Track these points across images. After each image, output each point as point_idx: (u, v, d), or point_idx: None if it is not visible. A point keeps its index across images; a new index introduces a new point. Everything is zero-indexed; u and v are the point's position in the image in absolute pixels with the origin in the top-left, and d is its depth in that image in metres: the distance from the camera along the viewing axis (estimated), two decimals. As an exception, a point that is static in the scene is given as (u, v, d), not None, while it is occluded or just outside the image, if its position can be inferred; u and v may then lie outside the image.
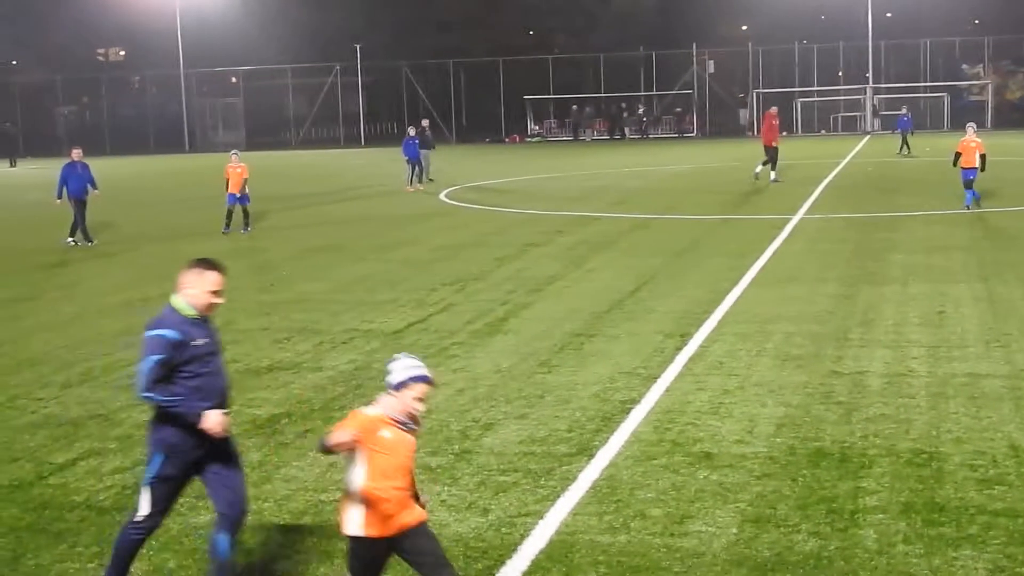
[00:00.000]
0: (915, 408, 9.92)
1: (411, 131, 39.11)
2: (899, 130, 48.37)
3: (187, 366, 6.27)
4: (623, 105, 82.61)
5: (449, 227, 25.31)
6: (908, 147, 46.18)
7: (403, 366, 5.71)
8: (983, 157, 24.84)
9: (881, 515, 7.54)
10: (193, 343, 6.31)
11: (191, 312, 6.38)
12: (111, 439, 9.88)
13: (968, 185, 24.80)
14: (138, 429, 10.13)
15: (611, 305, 15.28)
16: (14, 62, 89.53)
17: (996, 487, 7.97)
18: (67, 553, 7.43)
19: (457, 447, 9.30)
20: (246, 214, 26.14)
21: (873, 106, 72.43)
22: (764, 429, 9.47)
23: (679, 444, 9.16)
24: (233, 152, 27.55)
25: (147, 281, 19.06)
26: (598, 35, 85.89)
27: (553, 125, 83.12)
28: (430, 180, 38.88)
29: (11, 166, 64.83)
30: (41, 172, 59.53)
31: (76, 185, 24.93)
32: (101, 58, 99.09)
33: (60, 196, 25.06)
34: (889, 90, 76.02)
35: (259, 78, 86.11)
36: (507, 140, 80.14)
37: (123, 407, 10.91)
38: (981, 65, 77.81)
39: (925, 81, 77.34)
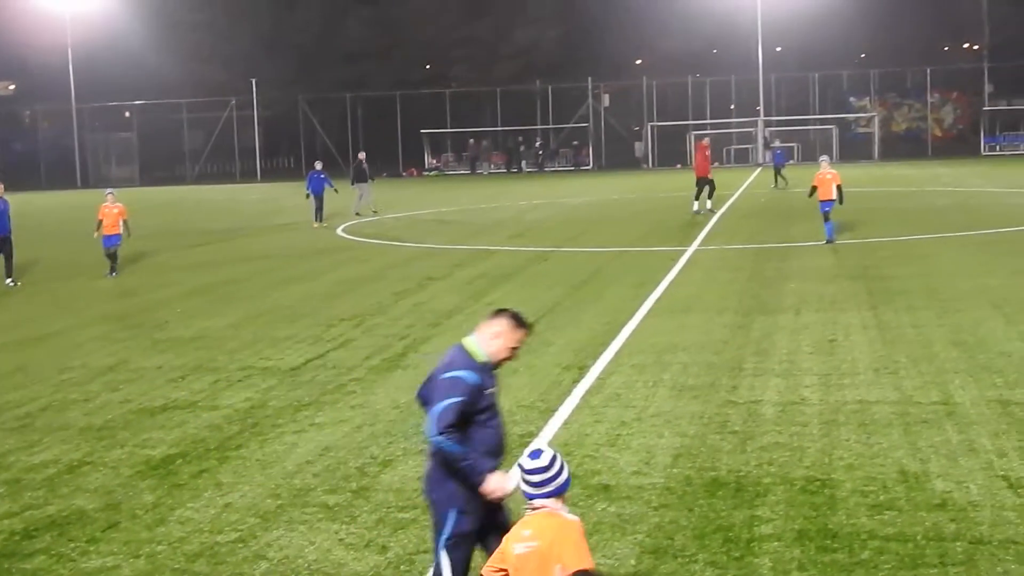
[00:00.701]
0: (808, 436, 10.11)
1: (317, 165, 38.59)
2: (773, 164, 49.23)
3: (478, 415, 5.94)
4: (520, 138, 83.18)
5: (347, 262, 25.19)
6: (784, 179, 46.90)
7: (566, 469, 5.36)
8: (839, 188, 25.38)
9: (776, 543, 7.66)
10: (487, 391, 6.02)
11: (484, 359, 6.10)
12: (-1, 484, 9.63)
13: (826, 218, 25.14)
14: (27, 472, 9.89)
15: (510, 338, 15.28)
16: None
17: (887, 512, 8.15)
18: (-48, 604, 7.20)
19: (355, 484, 9.24)
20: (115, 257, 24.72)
21: (764, 138, 73.95)
22: (661, 460, 9.57)
23: (577, 476, 9.19)
24: (108, 191, 26.00)
25: (37, 321, 18.64)
26: (496, 69, 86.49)
27: (451, 158, 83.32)
28: (374, 212, 38.86)
29: None
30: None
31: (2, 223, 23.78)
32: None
33: None
34: (780, 122, 77.70)
35: (153, 112, 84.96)
36: (405, 174, 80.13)
37: (12, 450, 10.65)
38: (868, 98, 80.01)
39: (815, 113, 79.24)
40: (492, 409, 6.06)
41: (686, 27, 79.26)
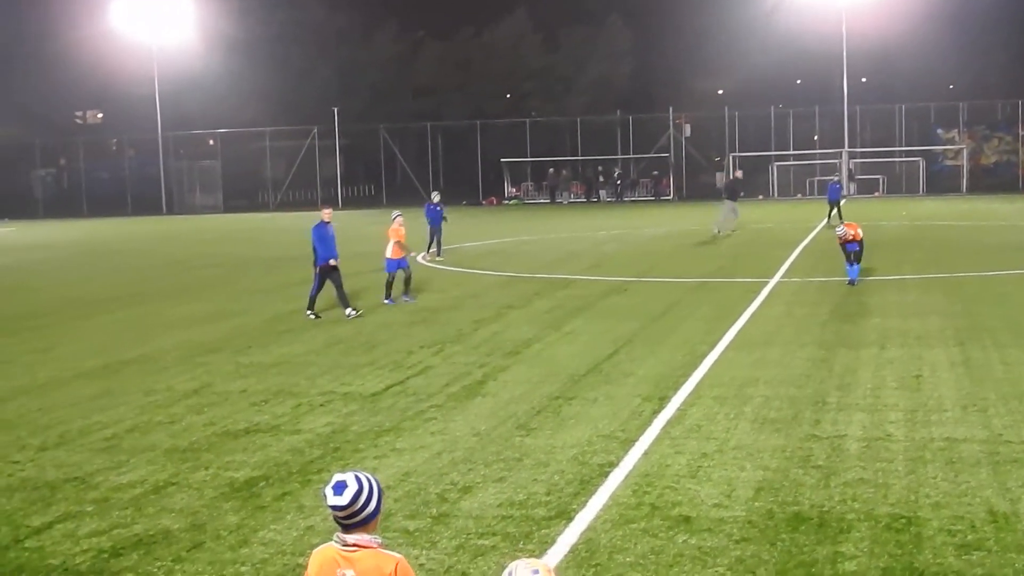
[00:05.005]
0: (893, 472, 9.96)
1: (435, 197, 36.17)
2: (830, 199, 43.89)
3: None
4: (599, 168, 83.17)
5: (427, 290, 25.34)
6: (839, 215, 41.89)
7: (375, 497, 4.84)
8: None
9: (860, 579, 7.55)
10: None
11: None
12: (87, 502, 9.81)
13: (852, 259, 23.54)
14: (114, 492, 10.07)
15: (589, 368, 15.31)
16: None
17: (975, 552, 7.99)
18: (41, 619, 7.35)
19: (435, 510, 9.27)
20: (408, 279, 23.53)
21: (849, 170, 73.11)
22: (743, 493, 9.48)
23: (658, 508, 9.16)
24: (397, 214, 23.88)
25: (124, 344, 18.99)
26: (574, 99, 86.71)
27: (530, 187, 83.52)
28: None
29: None
30: (16, 235, 59.51)
31: (324, 251, 21.38)
32: (79, 120, 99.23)
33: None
34: (864, 154, 76.82)
35: (237, 140, 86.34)
36: (484, 203, 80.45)
37: (99, 470, 10.85)
38: (956, 130, 78.70)
39: (900, 145, 78.17)
40: None
41: (769, 57, 78.92)
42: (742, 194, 40.06)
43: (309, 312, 21.34)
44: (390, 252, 23.17)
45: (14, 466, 11.12)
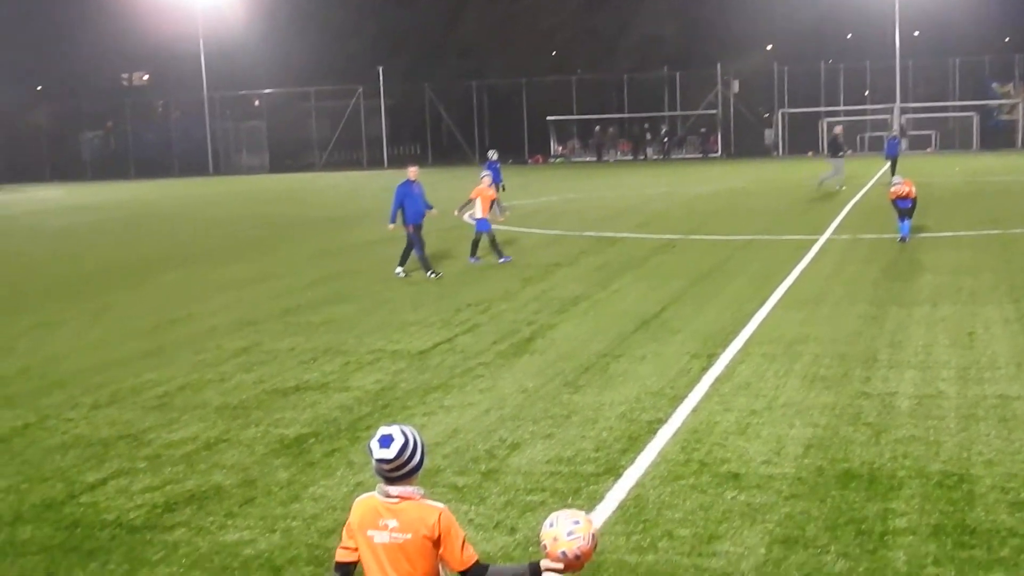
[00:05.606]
0: (945, 430, 9.86)
1: (492, 155, 36.08)
2: (888, 154, 42.85)
3: None
4: (646, 126, 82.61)
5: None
6: (892, 171, 39.96)
7: (419, 450, 4.83)
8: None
9: (911, 537, 7.49)
10: None
11: None
12: (140, 459, 9.93)
13: (904, 215, 23.31)
14: (166, 449, 10.20)
15: (636, 326, 15.27)
16: (39, 87, 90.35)
17: (1027, 509, 7.91)
18: (98, 571, 7.46)
19: (484, 467, 9.30)
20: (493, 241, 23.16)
21: (900, 126, 72.11)
22: (792, 450, 9.43)
23: (706, 464, 9.14)
24: (485, 173, 24.09)
25: (173, 305, 19.17)
26: (621, 55, 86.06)
27: (576, 146, 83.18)
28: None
29: None
30: (65, 197, 60.15)
31: (413, 208, 21.16)
32: (125, 82, 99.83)
33: (394, 220, 21.46)
34: (916, 109, 75.72)
35: (282, 101, 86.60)
36: (530, 161, 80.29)
37: (152, 427, 10.98)
38: (1011, 84, 77.25)
39: (953, 100, 76.92)
40: None
41: (819, 11, 77.80)
42: (848, 151, 39.28)
43: (430, 273, 20.88)
44: (479, 211, 23.12)
45: (68, 424, 11.28)
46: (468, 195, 23.76)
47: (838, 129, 39.73)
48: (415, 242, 21.18)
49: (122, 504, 8.76)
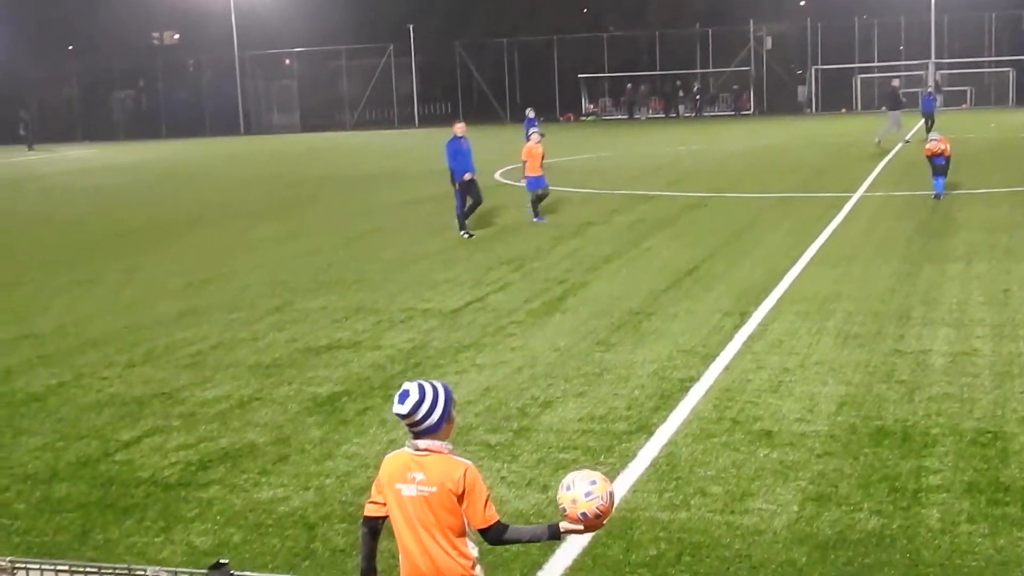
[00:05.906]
0: (979, 387, 9.80)
1: (530, 113, 37.32)
2: (923, 111, 41.97)
3: None
4: (678, 83, 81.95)
5: (504, 207, 25.28)
6: (927, 128, 39.89)
7: (440, 403, 4.80)
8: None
9: (944, 494, 7.47)
10: None
11: None
12: (175, 417, 10.02)
13: (939, 172, 22.97)
14: (200, 407, 10.27)
15: (669, 284, 15.23)
16: (70, 47, 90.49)
17: (1063, 466, 7.86)
18: (134, 528, 7.55)
19: (516, 425, 9.33)
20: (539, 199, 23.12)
21: (935, 82, 71.19)
22: (825, 408, 9.40)
23: (739, 422, 9.12)
24: (534, 131, 24.20)
25: (206, 264, 19.26)
26: (652, 12, 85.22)
27: (608, 103, 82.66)
28: None
29: (29, 150, 65.88)
30: (98, 156, 60.41)
31: (462, 165, 21.03)
32: (156, 42, 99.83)
33: (459, 178, 21.15)
34: (951, 65, 74.72)
35: (313, 60, 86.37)
36: (561, 119, 79.85)
37: (186, 385, 11.06)
38: (1049, 37, 75.95)
39: (989, 55, 75.83)
40: None
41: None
42: (905, 102, 38.72)
43: (462, 232, 20.79)
44: (530, 170, 22.99)
45: (103, 382, 11.38)
46: (520, 157, 23.61)
47: (895, 82, 39.17)
48: (466, 198, 21.02)
49: (157, 462, 8.84)
